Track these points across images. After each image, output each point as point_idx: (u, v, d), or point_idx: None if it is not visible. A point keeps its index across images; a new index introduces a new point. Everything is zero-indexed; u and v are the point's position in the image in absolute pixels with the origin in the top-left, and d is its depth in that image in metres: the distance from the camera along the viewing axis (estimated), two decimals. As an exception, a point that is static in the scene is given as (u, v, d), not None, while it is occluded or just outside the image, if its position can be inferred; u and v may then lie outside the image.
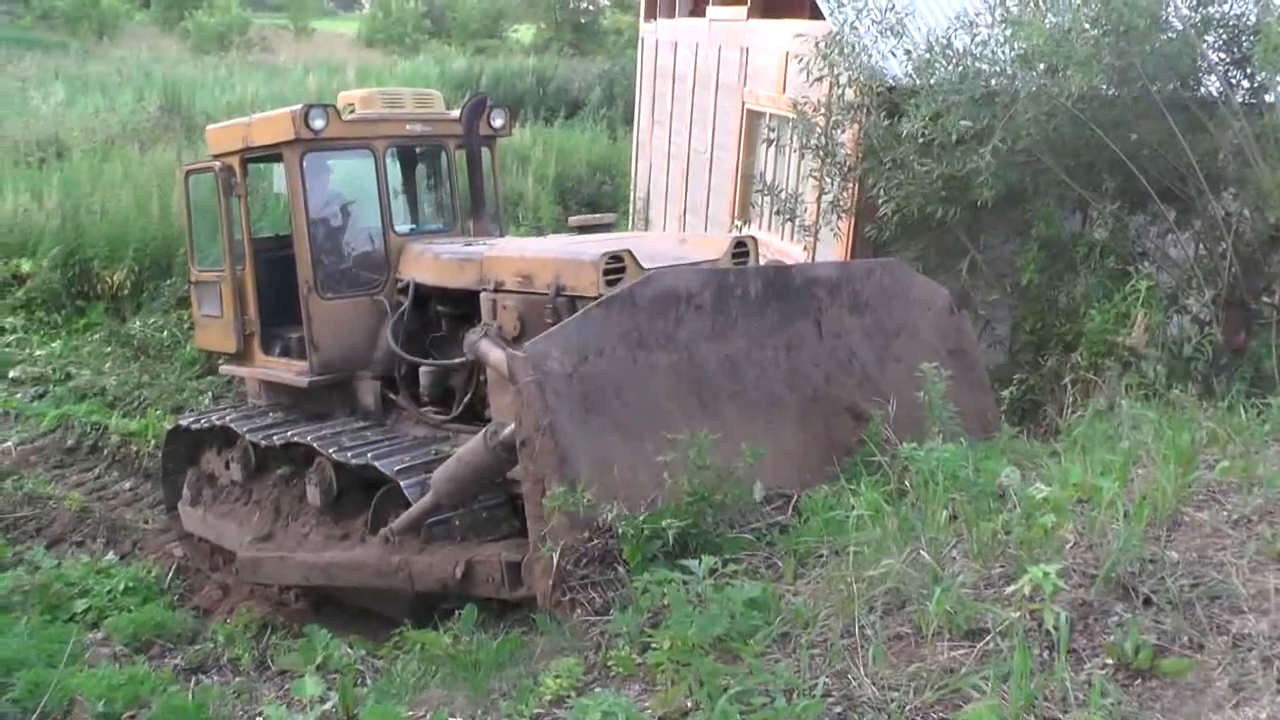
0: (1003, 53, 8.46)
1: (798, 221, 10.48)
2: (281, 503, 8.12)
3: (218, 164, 8.55)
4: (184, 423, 9.05)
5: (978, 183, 8.20)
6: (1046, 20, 8.09)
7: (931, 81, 8.81)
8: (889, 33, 9.40)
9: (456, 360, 7.22)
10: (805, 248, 11.41)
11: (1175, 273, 8.77)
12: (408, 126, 8.49)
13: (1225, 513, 3.66)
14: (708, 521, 4.83)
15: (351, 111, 8.29)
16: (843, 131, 9.87)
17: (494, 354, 6.58)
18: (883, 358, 6.67)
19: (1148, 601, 3.14)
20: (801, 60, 9.68)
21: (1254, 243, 8.47)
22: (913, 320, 6.88)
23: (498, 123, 8.82)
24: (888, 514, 3.96)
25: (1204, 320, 8.46)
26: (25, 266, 14.53)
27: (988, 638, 3.04)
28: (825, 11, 10.30)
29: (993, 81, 8.43)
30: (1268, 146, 8.44)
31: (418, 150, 9.07)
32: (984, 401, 7.08)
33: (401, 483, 6.66)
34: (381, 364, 8.07)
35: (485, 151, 8.81)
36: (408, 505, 6.81)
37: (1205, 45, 8.71)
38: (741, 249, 7.23)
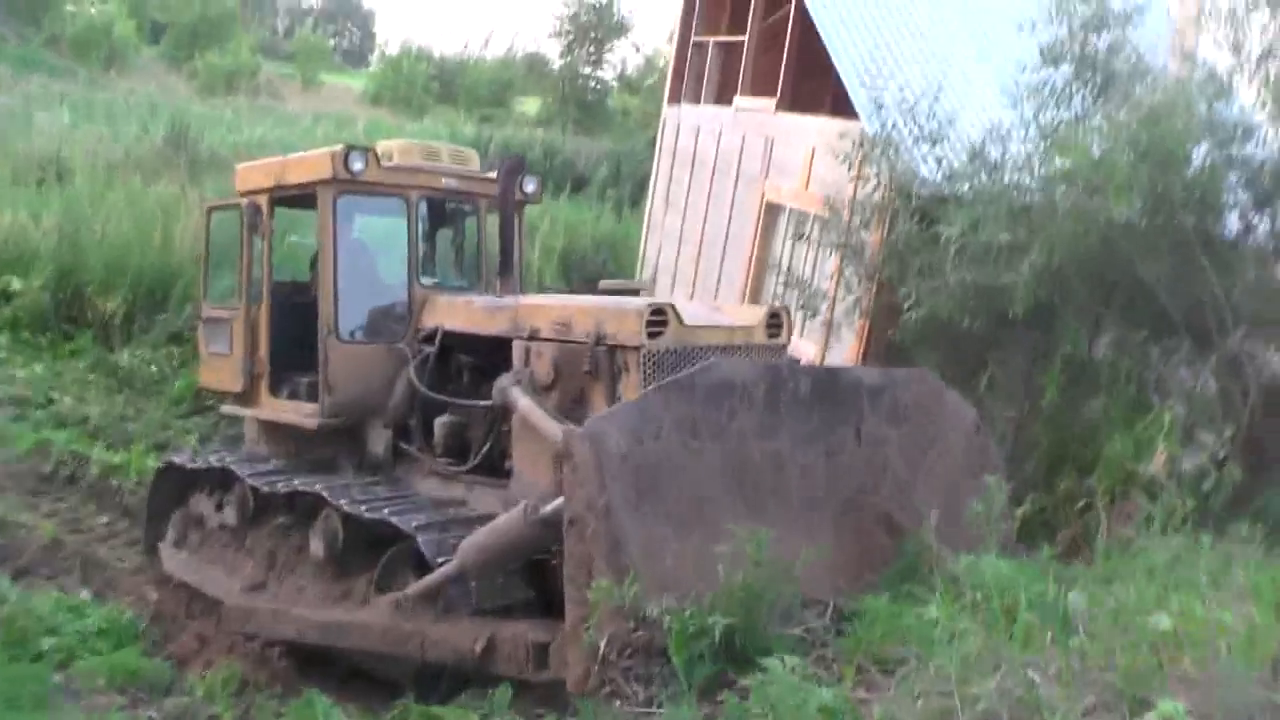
0: (1042, 169, 8.54)
1: (818, 318, 10.45)
2: (277, 553, 7.83)
3: (244, 201, 8.43)
4: (178, 460, 8.76)
5: (1016, 296, 8.20)
6: (1090, 143, 8.18)
7: (967, 188, 8.89)
8: (926, 139, 9.51)
9: (482, 403, 7.02)
10: (818, 345, 11.37)
11: (1195, 405, 8.74)
12: (443, 180, 8.43)
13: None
14: (760, 620, 4.65)
15: (389, 160, 8.22)
16: (870, 232, 9.91)
17: (522, 401, 6.45)
18: (916, 470, 6.54)
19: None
20: (841, 157, 9.72)
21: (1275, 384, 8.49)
22: (945, 435, 6.77)
23: (530, 188, 8.78)
24: (972, 629, 3.79)
25: (1220, 458, 8.41)
26: (16, 284, 14.18)
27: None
28: (861, 113, 10.42)
29: (1029, 197, 8.49)
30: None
31: (448, 206, 8.97)
32: (1004, 526, 6.97)
33: (419, 538, 6.42)
34: (395, 413, 7.86)
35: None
36: (420, 565, 6.59)
37: (1229, 182, 8.82)
38: (775, 320, 7.13)
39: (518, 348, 6.91)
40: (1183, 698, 3.16)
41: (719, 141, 14.59)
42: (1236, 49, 8.82)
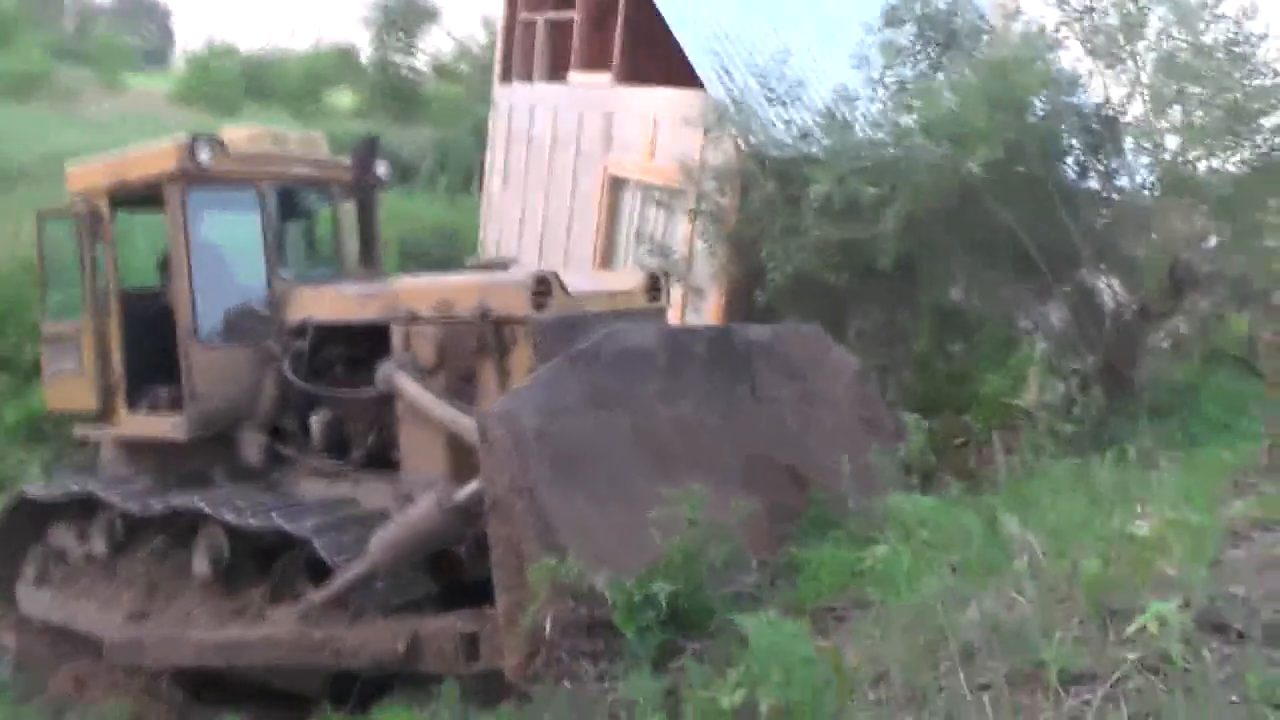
0: (896, 124, 8.77)
1: (684, 284, 10.48)
2: (157, 578, 7.36)
3: (81, 205, 7.86)
4: (31, 492, 8.13)
5: (881, 248, 8.41)
6: (944, 97, 8.45)
7: (824, 147, 9.07)
8: (777, 102, 9.65)
9: (364, 393, 6.74)
10: (675, 310, 11.41)
11: (1058, 340, 9.17)
12: (294, 168, 8.05)
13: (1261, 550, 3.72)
14: (702, 583, 4.63)
15: (237, 149, 7.79)
16: (726, 197, 9.99)
17: (409, 386, 6.26)
18: (808, 423, 6.64)
19: (1241, 635, 3.12)
20: (692, 124, 9.77)
21: (1125, 315, 9.00)
22: (832, 387, 6.89)
23: (381, 171, 8.50)
24: (938, 562, 3.85)
25: (1084, 385, 8.85)
26: None
27: (1111, 681, 2.94)
28: (706, 80, 10.48)
29: (891, 150, 8.72)
30: (1127, 229, 9.07)
31: (299, 194, 8.56)
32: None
33: (315, 542, 6.13)
34: (266, 414, 7.48)
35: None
36: (316, 571, 6.32)
37: (1064, 129, 9.27)
38: (655, 284, 7.09)
39: (397, 332, 6.66)
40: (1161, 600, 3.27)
41: (555, 119, 14.42)
42: (1062, 4, 9.25)
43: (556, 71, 15.00)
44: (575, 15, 13.90)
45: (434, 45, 32.30)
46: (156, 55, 39.29)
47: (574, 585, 4.54)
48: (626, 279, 7.28)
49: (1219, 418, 8.37)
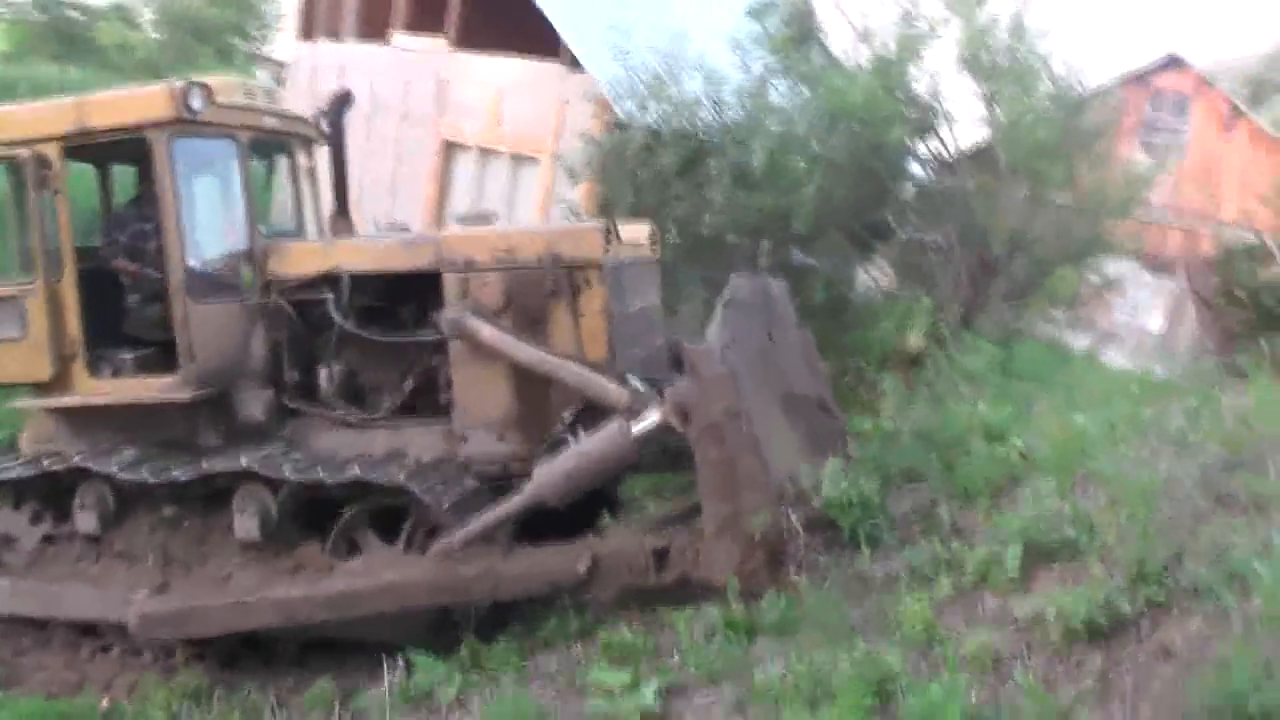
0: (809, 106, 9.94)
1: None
2: (170, 549, 7.03)
3: (24, 152, 7.21)
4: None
5: (801, 213, 9.52)
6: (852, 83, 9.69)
7: (739, 120, 10.11)
8: (669, 81, 10.50)
9: (426, 338, 6.91)
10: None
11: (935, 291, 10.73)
12: (266, 120, 7.85)
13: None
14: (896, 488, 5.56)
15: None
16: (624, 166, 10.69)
17: (487, 330, 6.56)
18: (793, 362, 7.65)
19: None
20: (590, 100, 10.40)
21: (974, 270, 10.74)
22: (787, 330, 7.95)
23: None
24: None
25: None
26: None
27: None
28: (583, 56, 11.08)
29: (803, 128, 9.86)
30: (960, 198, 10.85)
31: (263, 148, 8.28)
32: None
33: (415, 490, 6.27)
34: (265, 370, 7.32)
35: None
36: (379, 523, 6.60)
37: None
38: (654, 237, 7.75)
39: (452, 280, 6.85)
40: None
41: (373, 82, 14.22)
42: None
43: (369, 29, 14.72)
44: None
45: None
46: None
47: (784, 493, 5.33)
48: (639, 231, 7.85)
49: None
